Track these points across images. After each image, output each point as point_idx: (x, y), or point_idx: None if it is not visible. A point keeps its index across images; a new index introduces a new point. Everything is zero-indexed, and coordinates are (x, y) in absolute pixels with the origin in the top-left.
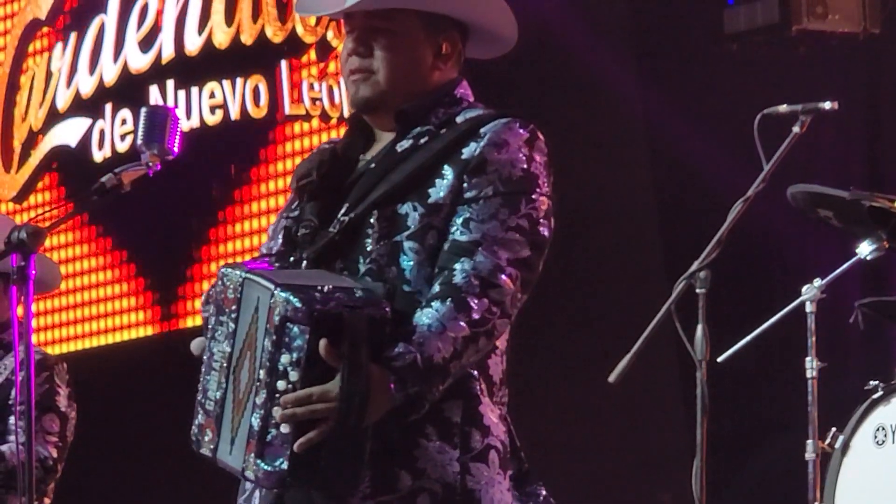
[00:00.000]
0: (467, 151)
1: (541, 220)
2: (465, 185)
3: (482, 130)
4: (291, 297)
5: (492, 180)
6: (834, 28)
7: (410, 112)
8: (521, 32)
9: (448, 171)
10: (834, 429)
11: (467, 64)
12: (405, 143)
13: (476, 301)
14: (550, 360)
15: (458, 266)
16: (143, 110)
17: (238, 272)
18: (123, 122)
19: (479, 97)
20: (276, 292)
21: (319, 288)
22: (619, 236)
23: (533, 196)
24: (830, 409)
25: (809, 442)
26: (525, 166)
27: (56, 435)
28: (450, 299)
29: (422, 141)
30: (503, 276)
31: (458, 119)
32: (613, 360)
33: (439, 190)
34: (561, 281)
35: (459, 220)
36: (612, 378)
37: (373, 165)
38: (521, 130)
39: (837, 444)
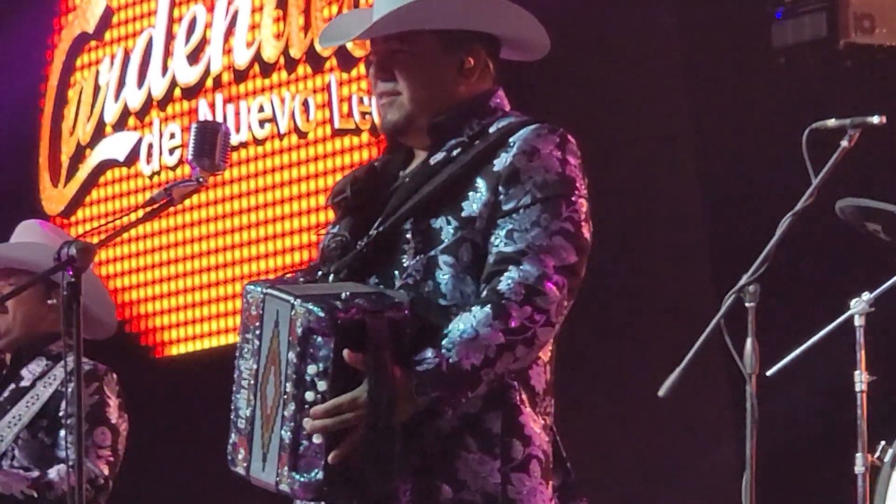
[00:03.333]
0: (499, 163)
1: (581, 224)
2: (501, 197)
3: (511, 140)
4: (313, 308)
5: (528, 189)
6: (882, 41)
7: (443, 124)
8: (569, 45)
9: (481, 184)
10: (883, 442)
11: (514, 73)
12: (439, 156)
13: (517, 308)
14: (600, 373)
15: (505, 274)
16: (194, 125)
17: (259, 288)
18: (172, 135)
19: (525, 108)
20: (296, 304)
21: (338, 296)
22: (668, 250)
23: (573, 199)
24: (880, 422)
25: (859, 455)
26: (560, 170)
27: (108, 449)
28: (490, 304)
29: (455, 153)
30: (549, 284)
31: (492, 129)
32: (663, 373)
33: (473, 203)
34: (610, 293)
35: (503, 233)
36: (661, 392)
37: (407, 180)
38: (551, 135)
39: (887, 458)
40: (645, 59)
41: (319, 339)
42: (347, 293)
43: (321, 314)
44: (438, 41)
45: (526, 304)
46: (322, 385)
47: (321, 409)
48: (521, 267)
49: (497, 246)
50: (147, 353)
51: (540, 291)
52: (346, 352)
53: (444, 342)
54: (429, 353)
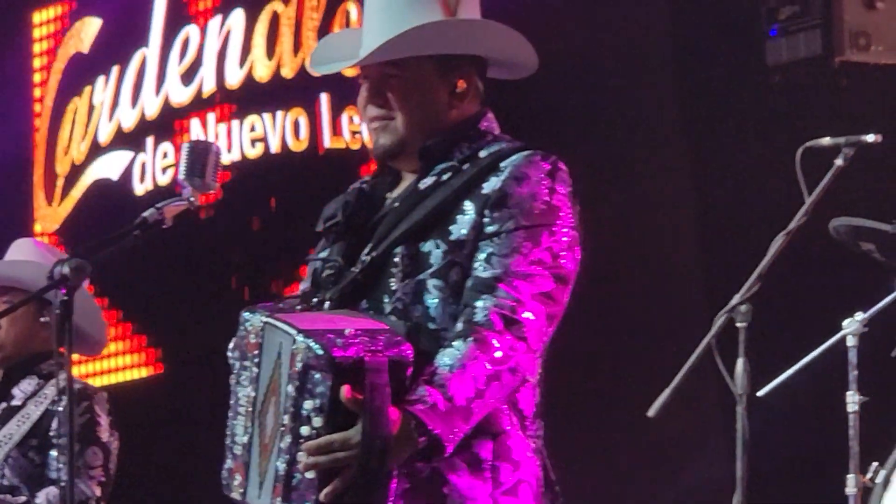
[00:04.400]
0: (488, 186)
1: (563, 253)
2: (486, 220)
3: (503, 164)
4: (313, 345)
5: (513, 214)
6: (877, 60)
7: (433, 148)
8: (561, 62)
9: (469, 207)
10: (875, 463)
11: (504, 95)
12: (428, 181)
13: (498, 338)
14: (590, 394)
15: (479, 303)
16: (185, 144)
17: (259, 317)
18: (165, 155)
19: (516, 131)
20: (297, 339)
21: (340, 332)
22: (661, 269)
23: (555, 228)
24: (872, 443)
25: (850, 476)
26: (547, 199)
27: (99, 469)
28: (471, 338)
29: (444, 177)
30: (525, 312)
31: (482, 153)
32: (654, 394)
33: (461, 226)
34: (601, 314)
35: (482, 256)
36: (651, 412)
37: (397, 204)
38: (543, 163)
39: (879, 479)
40: (639, 77)
41: (317, 375)
42: (351, 329)
43: (320, 352)
44: (432, 65)
45: (506, 333)
46: (317, 421)
47: (313, 444)
48: (495, 294)
49: (475, 270)
50: None
51: (516, 321)
52: (342, 391)
53: (435, 378)
54: (423, 390)
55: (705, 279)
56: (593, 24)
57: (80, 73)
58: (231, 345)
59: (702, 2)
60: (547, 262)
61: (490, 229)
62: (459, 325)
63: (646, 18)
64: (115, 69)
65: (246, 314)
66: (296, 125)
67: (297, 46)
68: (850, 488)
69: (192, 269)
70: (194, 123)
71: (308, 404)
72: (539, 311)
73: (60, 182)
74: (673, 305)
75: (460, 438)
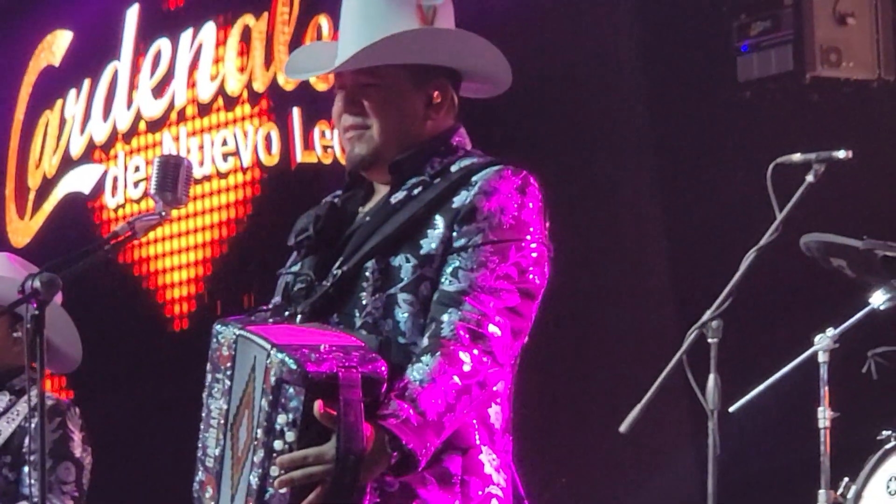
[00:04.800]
0: (458, 200)
1: (530, 268)
2: (454, 234)
3: (473, 179)
4: (287, 359)
5: (482, 228)
6: (848, 75)
7: (404, 163)
8: (534, 81)
9: (439, 221)
10: (846, 479)
11: (476, 110)
12: (399, 195)
13: (466, 353)
14: (561, 409)
15: (445, 317)
16: (157, 159)
17: (232, 329)
18: (136, 168)
19: (488, 146)
20: (271, 353)
21: (315, 348)
22: (632, 284)
23: (523, 244)
24: (843, 458)
25: (822, 492)
26: (516, 213)
27: (73, 484)
28: (439, 353)
29: (416, 192)
30: (490, 326)
31: (453, 168)
32: (625, 409)
33: (431, 241)
34: (573, 329)
35: (449, 270)
36: (622, 428)
37: (368, 218)
38: (513, 178)
39: (850, 494)
40: (610, 93)
41: (291, 389)
42: (326, 345)
43: (294, 366)
44: (409, 75)
45: (473, 348)
46: (290, 436)
47: (287, 459)
48: (461, 308)
49: (442, 284)
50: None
51: (482, 335)
52: (317, 404)
53: (406, 393)
54: (394, 405)
55: (677, 295)
56: (564, 39)
57: (52, 86)
58: None
59: (673, 18)
60: (514, 277)
61: (458, 243)
62: (426, 341)
63: (616, 34)
64: (86, 82)
65: (218, 326)
66: (268, 139)
67: (268, 60)
68: (822, 503)
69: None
70: (166, 137)
71: (282, 419)
72: (505, 325)
73: (32, 195)
74: (645, 321)
75: (432, 453)
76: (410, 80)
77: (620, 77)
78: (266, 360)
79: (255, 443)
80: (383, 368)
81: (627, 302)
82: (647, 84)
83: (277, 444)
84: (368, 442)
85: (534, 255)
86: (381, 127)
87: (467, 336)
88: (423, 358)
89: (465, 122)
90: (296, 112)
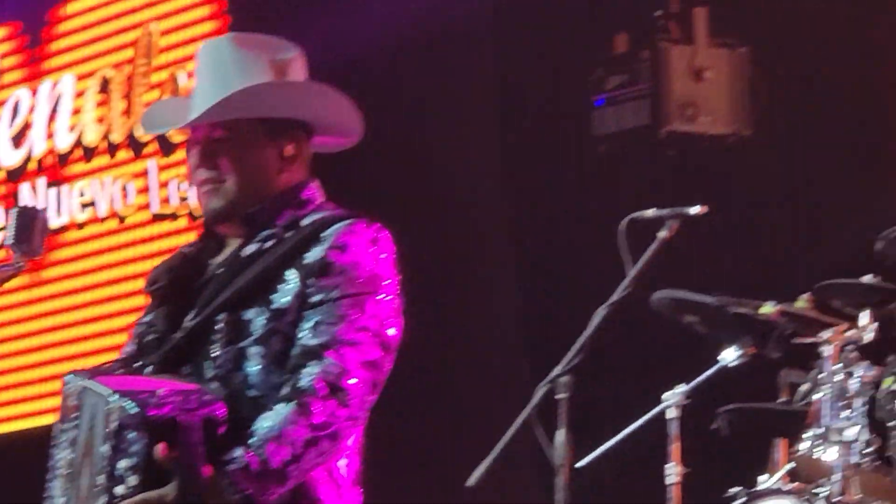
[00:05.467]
0: (310, 255)
1: (388, 320)
2: (310, 289)
3: (324, 234)
4: (126, 404)
5: (338, 283)
6: (705, 130)
7: (257, 215)
8: (386, 132)
9: (292, 276)
10: None
11: (329, 163)
12: (251, 248)
13: (320, 404)
14: (411, 462)
15: (305, 370)
16: (13, 210)
17: (78, 380)
18: None
19: (342, 198)
20: (110, 399)
21: (153, 393)
22: (484, 340)
23: (379, 296)
24: None
25: None
26: (371, 266)
27: None
28: (294, 402)
29: (267, 245)
30: (350, 379)
31: (304, 222)
32: (475, 463)
33: (283, 295)
34: (424, 383)
35: (309, 324)
36: (470, 481)
37: (220, 270)
38: (366, 230)
39: None
40: (464, 147)
41: (132, 434)
42: (164, 390)
43: (134, 411)
44: (262, 128)
45: (329, 400)
46: (132, 480)
47: (129, 503)
48: (323, 361)
49: (301, 338)
50: None
51: (341, 388)
52: (157, 448)
53: (251, 440)
54: (238, 451)
55: (529, 350)
56: (419, 90)
57: None
58: None
59: (529, 70)
60: (373, 330)
61: (315, 298)
62: (285, 390)
63: (472, 87)
64: None
65: (68, 377)
66: (125, 190)
67: (127, 111)
68: None
69: None
70: (24, 187)
71: (123, 463)
72: (364, 378)
73: None
74: (497, 376)
75: (274, 500)
76: (263, 133)
77: (475, 130)
78: (106, 407)
79: (96, 489)
80: (221, 411)
81: (480, 356)
82: (501, 136)
83: (119, 489)
84: (208, 485)
85: (391, 307)
86: (235, 181)
87: (325, 388)
88: (277, 406)
89: (318, 175)
90: (152, 163)
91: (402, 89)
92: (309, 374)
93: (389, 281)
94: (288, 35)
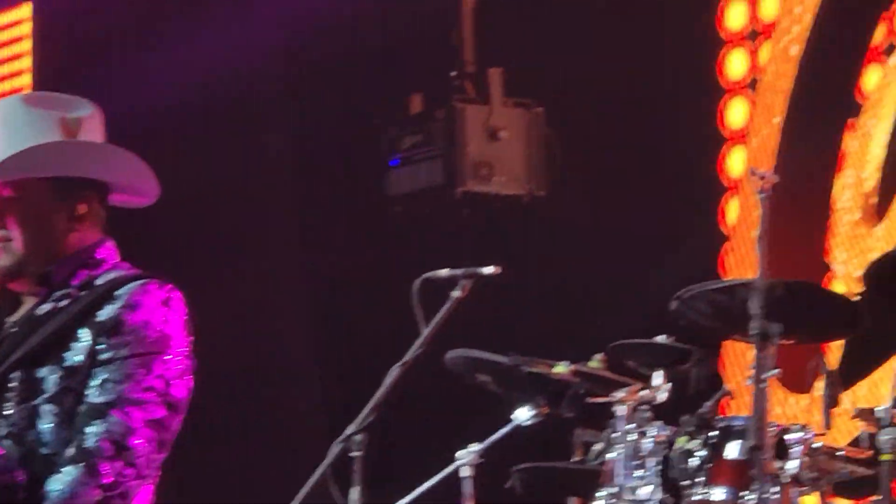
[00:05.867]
0: (103, 314)
1: (174, 381)
2: (100, 346)
3: (118, 293)
4: None
5: (128, 342)
6: (499, 190)
7: (51, 274)
8: (184, 193)
9: (85, 334)
10: None
11: (125, 221)
12: (46, 306)
13: (108, 465)
14: None
15: (91, 429)
16: None
17: None
18: None
19: (138, 257)
20: None
21: None
22: (282, 399)
23: (167, 357)
24: None
25: None
26: (160, 327)
27: None
28: (82, 464)
29: (62, 304)
30: (136, 439)
31: (99, 281)
32: None
33: (75, 353)
34: (220, 439)
35: (96, 382)
36: None
37: (14, 329)
38: (158, 291)
39: None
40: (261, 208)
41: None
42: None
43: None
44: (51, 188)
45: (116, 460)
46: None
47: None
48: (108, 420)
49: (88, 396)
50: None
51: (127, 447)
52: None
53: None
54: None
55: (327, 409)
56: (216, 149)
57: None
58: None
59: (325, 130)
60: (159, 390)
61: (104, 356)
62: (71, 451)
63: (268, 147)
64: None
65: None
66: None
67: None
68: None
69: None
70: None
71: None
72: (150, 437)
73: None
74: (294, 435)
75: None
76: (53, 192)
77: (272, 192)
78: None
79: None
80: (21, 478)
81: (278, 415)
82: (297, 196)
83: None
84: None
85: (178, 367)
86: (24, 240)
87: (112, 448)
88: (65, 469)
89: (115, 234)
90: None
91: (200, 148)
92: (94, 434)
93: (178, 342)
94: (88, 92)
